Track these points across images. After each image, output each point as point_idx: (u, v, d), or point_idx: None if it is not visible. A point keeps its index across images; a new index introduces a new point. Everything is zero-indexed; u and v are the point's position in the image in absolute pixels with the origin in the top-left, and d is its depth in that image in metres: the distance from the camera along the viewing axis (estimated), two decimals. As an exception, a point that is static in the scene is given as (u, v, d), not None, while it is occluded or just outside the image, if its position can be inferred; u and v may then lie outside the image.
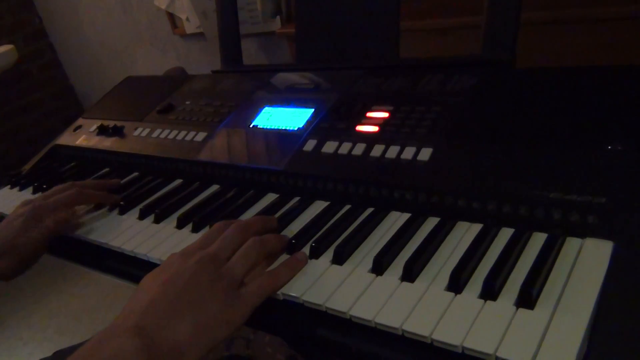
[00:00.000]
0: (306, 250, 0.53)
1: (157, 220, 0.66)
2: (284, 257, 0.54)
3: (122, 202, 0.72)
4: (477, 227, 0.51)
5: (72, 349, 0.69)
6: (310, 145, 0.65)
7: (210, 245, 0.50)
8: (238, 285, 0.47)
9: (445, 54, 0.81)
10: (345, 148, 0.62)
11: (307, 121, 0.69)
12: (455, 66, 0.71)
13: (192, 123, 0.81)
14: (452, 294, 0.43)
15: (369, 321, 0.43)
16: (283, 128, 0.70)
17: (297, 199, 0.64)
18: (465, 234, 0.50)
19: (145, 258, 0.60)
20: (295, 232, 0.56)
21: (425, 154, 0.56)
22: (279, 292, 0.49)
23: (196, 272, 0.45)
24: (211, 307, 0.44)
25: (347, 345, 0.44)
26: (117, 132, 0.89)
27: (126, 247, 0.62)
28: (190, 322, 0.42)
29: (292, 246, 0.54)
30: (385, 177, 0.57)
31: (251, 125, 0.74)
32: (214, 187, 0.72)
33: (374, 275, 0.48)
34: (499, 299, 0.42)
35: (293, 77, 0.82)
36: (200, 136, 0.77)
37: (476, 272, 0.45)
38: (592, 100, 0.55)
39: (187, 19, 1.93)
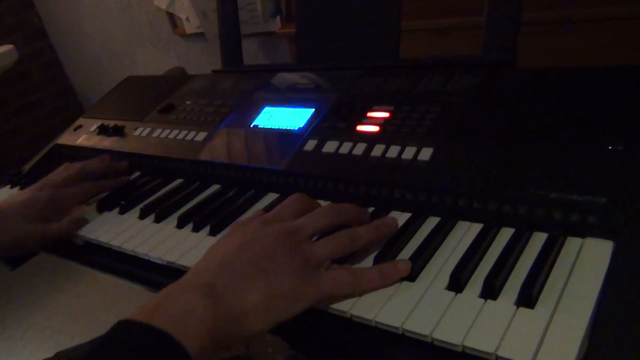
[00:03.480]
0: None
1: (157, 220, 0.66)
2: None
3: (121, 202, 0.72)
4: (477, 227, 0.51)
5: (73, 349, 0.69)
6: (310, 145, 0.65)
7: (289, 218, 0.48)
8: (317, 267, 0.44)
9: (445, 54, 0.81)
10: (345, 148, 0.62)
11: (307, 121, 0.69)
12: (455, 66, 0.71)
13: (192, 123, 0.81)
14: (452, 293, 0.43)
15: (369, 320, 0.43)
16: (283, 128, 0.71)
17: (297, 198, 0.64)
18: (465, 233, 0.51)
19: (146, 257, 0.60)
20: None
21: (426, 153, 0.56)
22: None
23: (276, 242, 0.43)
24: (285, 280, 0.41)
25: (348, 344, 0.44)
26: (118, 131, 0.89)
27: (126, 247, 0.62)
28: (261, 290, 0.40)
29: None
30: (386, 177, 0.57)
31: (252, 125, 0.74)
32: (215, 187, 0.72)
33: (374, 274, 0.48)
34: (500, 299, 0.42)
35: (293, 77, 0.82)
36: (201, 136, 0.77)
37: (477, 271, 0.45)
38: (592, 100, 0.55)
39: (187, 19, 1.93)
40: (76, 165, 0.77)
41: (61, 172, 0.75)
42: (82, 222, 0.70)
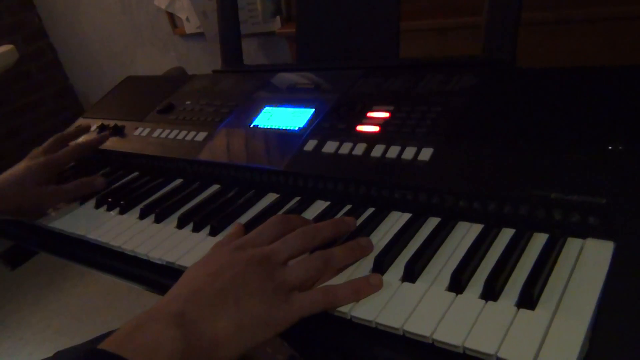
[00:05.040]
0: (307, 250, 0.53)
1: (157, 220, 0.66)
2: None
3: (121, 202, 0.72)
4: (478, 228, 0.51)
5: (72, 349, 0.69)
6: (310, 145, 0.65)
7: (263, 242, 0.48)
8: (289, 291, 0.44)
9: (445, 54, 0.81)
10: (345, 148, 0.62)
11: (307, 121, 0.69)
12: (455, 66, 0.71)
13: (192, 123, 0.81)
14: (453, 295, 0.43)
15: (369, 322, 0.43)
16: (283, 128, 0.70)
17: (297, 199, 0.64)
18: (466, 234, 0.50)
19: (146, 258, 0.60)
20: (295, 232, 0.56)
21: (426, 154, 0.56)
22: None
23: (246, 268, 0.44)
24: (256, 306, 0.42)
25: (348, 345, 0.44)
26: (118, 131, 0.89)
27: (126, 247, 0.62)
28: (233, 318, 0.41)
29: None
30: (386, 177, 0.57)
31: (252, 125, 0.74)
32: (215, 187, 0.72)
33: (374, 275, 0.48)
34: (500, 300, 0.42)
35: (293, 77, 0.82)
36: (201, 136, 0.77)
37: (477, 272, 0.45)
38: (592, 101, 0.55)
39: (187, 19, 1.93)
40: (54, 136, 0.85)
41: (43, 145, 0.82)
42: (94, 183, 0.77)
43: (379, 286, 0.45)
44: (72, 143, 0.84)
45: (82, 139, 0.88)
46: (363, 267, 0.49)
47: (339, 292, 0.45)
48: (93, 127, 0.93)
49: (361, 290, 0.45)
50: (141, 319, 0.40)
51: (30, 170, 0.74)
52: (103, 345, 0.38)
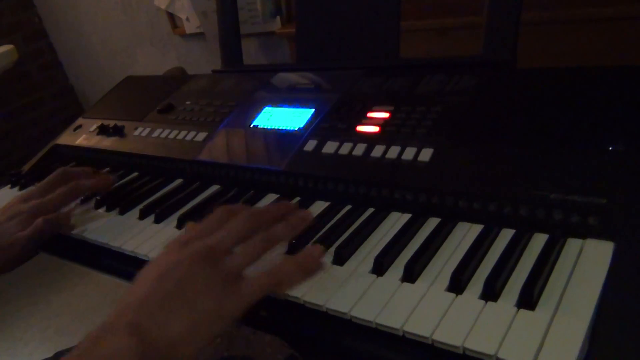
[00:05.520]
0: (307, 250, 0.53)
1: (157, 221, 0.66)
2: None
3: (121, 202, 0.72)
4: (477, 228, 0.51)
5: (72, 349, 0.69)
6: (310, 145, 0.65)
7: (208, 234, 0.48)
8: (236, 279, 0.45)
9: (445, 54, 0.81)
10: (345, 148, 0.62)
11: (307, 121, 0.69)
12: (455, 66, 0.71)
13: (192, 123, 0.81)
14: (453, 295, 0.43)
15: (369, 322, 0.43)
16: (283, 128, 0.70)
17: (297, 199, 0.64)
18: (466, 234, 0.50)
19: (146, 258, 0.60)
20: (295, 233, 0.56)
21: (426, 154, 0.56)
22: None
23: (191, 266, 0.44)
24: (206, 303, 0.42)
25: (348, 345, 0.44)
26: (117, 131, 0.89)
27: (126, 247, 0.62)
28: (185, 319, 0.41)
29: (293, 247, 0.54)
30: (386, 178, 0.57)
31: (251, 125, 0.74)
32: (215, 187, 0.72)
33: (374, 275, 0.48)
34: (500, 300, 0.41)
35: (293, 77, 0.82)
36: (201, 136, 0.77)
37: (477, 272, 0.45)
38: (592, 101, 0.55)
39: (187, 19, 1.93)
40: (60, 169, 0.76)
41: (48, 181, 0.73)
42: (62, 218, 0.70)
43: (320, 257, 0.47)
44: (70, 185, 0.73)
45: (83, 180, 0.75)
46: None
47: (286, 273, 0.46)
48: (93, 127, 0.93)
49: (305, 264, 0.46)
50: (98, 332, 0.40)
51: (13, 217, 0.67)
52: None
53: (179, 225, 0.64)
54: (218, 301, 0.43)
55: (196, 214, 0.65)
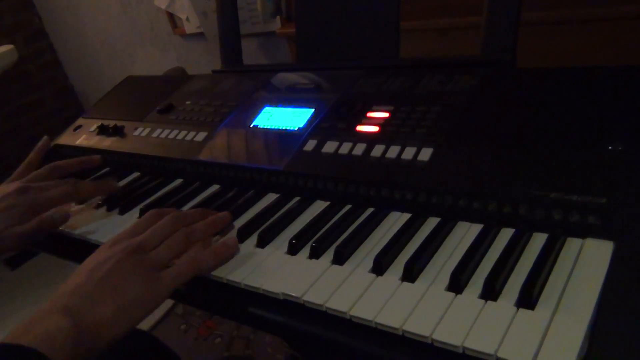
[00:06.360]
0: (306, 250, 0.53)
1: (157, 220, 0.66)
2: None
3: (121, 202, 0.72)
4: (477, 228, 0.51)
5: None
6: (310, 145, 0.65)
7: (137, 234, 0.54)
8: (159, 269, 0.51)
9: (445, 54, 0.81)
10: (345, 148, 0.62)
11: (307, 121, 0.69)
12: (455, 66, 0.71)
13: (192, 123, 0.81)
14: (452, 294, 0.43)
15: (369, 321, 0.43)
16: (283, 128, 0.70)
17: (297, 199, 0.64)
18: (465, 234, 0.50)
19: (146, 258, 0.60)
20: (295, 233, 0.56)
21: (426, 154, 0.56)
22: (279, 292, 0.49)
23: (120, 260, 0.50)
24: (131, 290, 0.49)
25: (347, 345, 0.44)
26: (117, 132, 0.89)
27: (126, 247, 0.62)
28: (111, 304, 0.47)
29: (293, 246, 0.54)
30: (386, 177, 0.57)
31: (251, 125, 0.74)
32: (214, 187, 0.72)
33: (374, 275, 0.48)
34: (500, 300, 0.42)
35: (293, 77, 0.82)
36: (201, 136, 0.77)
37: (477, 272, 0.45)
38: (592, 100, 0.55)
39: (187, 19, 1.92)
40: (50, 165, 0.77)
41: (46, 172, 0.75)
42: (59, 219, 0.69)
43: (234, 247, 0.55)
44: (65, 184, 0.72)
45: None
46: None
47: (201, 257, 0.53)
48: (93, 127, 0.93)
49: (220, 251, 0.54)
50: (34, 316, 0.46)
51: (7, 215, 0.66)
52: (2, 342, 0.43)
53: (179, 225, 0.64)
54: (142, 288, 0.49)
55: (196, 214, 0.64)
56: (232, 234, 0.59)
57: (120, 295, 0.48)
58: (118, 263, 0.50)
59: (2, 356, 0.42)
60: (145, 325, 1.64)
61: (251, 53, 1.82)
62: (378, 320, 0.42)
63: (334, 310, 0.45)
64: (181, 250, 0.54)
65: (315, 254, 0.52)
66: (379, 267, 0.48)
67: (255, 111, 0.76)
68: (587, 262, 0.43)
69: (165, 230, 0.55)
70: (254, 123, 0.74)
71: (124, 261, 0.50)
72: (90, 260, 0.52)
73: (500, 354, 0.37)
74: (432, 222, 0.53)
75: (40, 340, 0.43)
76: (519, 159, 0.51)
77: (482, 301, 0.42)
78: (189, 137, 0.78)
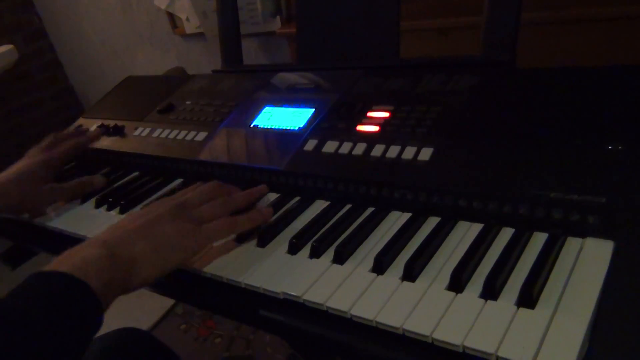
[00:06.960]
0: (307, 250, 0.54)
1: (157, 220, 0.66)
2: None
3: (122, 201, 0.72)
4: (477, 227, 0.51)
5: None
6: (310, 145, 0.65)
7: (194, 198, 0.59)
8: (198, 222, 0.55)
9: (445, 54, 0.81)
10: (345, 148, 0.62)
11: (307, 121, 0.69)
12: (455, 66, 0.71)
13: (192, 123, 0.81)
14: (453, 294, 0.43)
15: (369, 321, 0.43)
16: (284, 128, 0.71)
17: (297, 198, 0.64)
18: (466, 233, 0.51)
19: (146, 258, 0.60)
20: (296, 232, 0.56)
21: (426, 153, 0.56)
22: (279, 292, 0.49)
23: (163, 210, 0.55)
24: (169, 234, 0.53)
25: (348, 345, 0.44)
26: (118, 131, 0.89)
27: (127, 247, 0.62)
28: (147, 243, 0.51)
29: (293, 246, 0.54)
30: (386, 177, 0.57)
31: (252, 125, 0.74)
32: (215, 187, 0.72)
33: (374, 274, 0.48)
34: (500, 299, 0.42)
35: (293, 77, 0.82)
36: (201, 136, 0.77)
37: (477, 271, 0.45)
38: (592, 100, 0.55)
39: (187, 19, 1.93)
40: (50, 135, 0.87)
41: (40, 144, 0.84)
42: (93, 182, 0.78)
43: (268, 215, 0.59)
44: (70, 141, 0.85)
45: (78, 137, 0.90)
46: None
47: (238, 219, 0.58)
48: (93, 127, 0.94)
49: (254, 217, 0.58)
50: (75, 247, 0.50)
51: (30, 169, 0.76)
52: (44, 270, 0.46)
53: (179, 225, 0.64)
54: (180, 235, 0.53)
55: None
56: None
57: (157, 238, 0.52)
58: (161, 213, 0.55)
59: (39, 281, 0.46)
60: (145, 325, 1.64)
61: (251, 53, 1.82)
62: (378, 319, 0.42)
63: (335, 309, 0.45)
64: (221, 212, 0.58)
65: (315, 254, 0.53)
66: (380, 266, 0.48)
67: (255, 111, 0.76)
68: (587, 262, 0.43)
69: (209, 194, 0.60)
70: (254, 123, 0.74)
71: (166, 212, 0.55)
72: (137, 212, 0.59)
73: (500, 353, 0.37)
74: (432, 222, 0.53)
75: (76, 267, 0.46)
76: (519, 159, 0.51)
77: (483, 300, 0.42)
78: (189, 137, 0.78)
